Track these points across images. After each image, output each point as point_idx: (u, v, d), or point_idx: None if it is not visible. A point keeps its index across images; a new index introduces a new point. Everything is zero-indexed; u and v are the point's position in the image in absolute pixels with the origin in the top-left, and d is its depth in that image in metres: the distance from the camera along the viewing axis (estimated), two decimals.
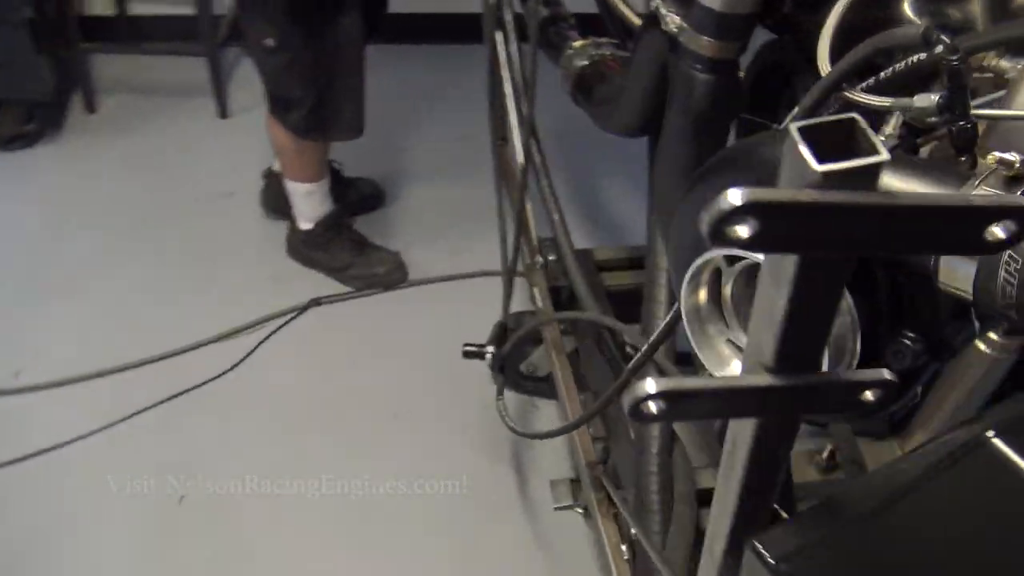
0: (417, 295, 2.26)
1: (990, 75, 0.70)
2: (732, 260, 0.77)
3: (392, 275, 2.25)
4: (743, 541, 0.67)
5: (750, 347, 0.52)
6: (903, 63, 0.71)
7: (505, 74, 1.88)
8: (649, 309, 1.40)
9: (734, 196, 0.39)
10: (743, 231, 0.40)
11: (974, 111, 0.67)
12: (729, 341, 0.81)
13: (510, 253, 1.76)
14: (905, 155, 0.73)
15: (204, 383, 1.99)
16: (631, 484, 1.41)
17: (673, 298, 1.37)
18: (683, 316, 0.81)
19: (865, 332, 0.68)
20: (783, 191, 0.40)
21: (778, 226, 0.40)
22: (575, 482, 1.81)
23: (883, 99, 0.74)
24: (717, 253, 0.76)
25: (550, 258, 1.83)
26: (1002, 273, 0.58)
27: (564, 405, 1.59)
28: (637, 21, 1.47)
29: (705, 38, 1.13)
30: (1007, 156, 0.59)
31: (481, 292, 2.24)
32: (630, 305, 1.78)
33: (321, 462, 1.85)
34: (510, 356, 1.81)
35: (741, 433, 0.57)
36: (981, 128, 0.69)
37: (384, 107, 2.33)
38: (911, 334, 0.69)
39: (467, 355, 1.83)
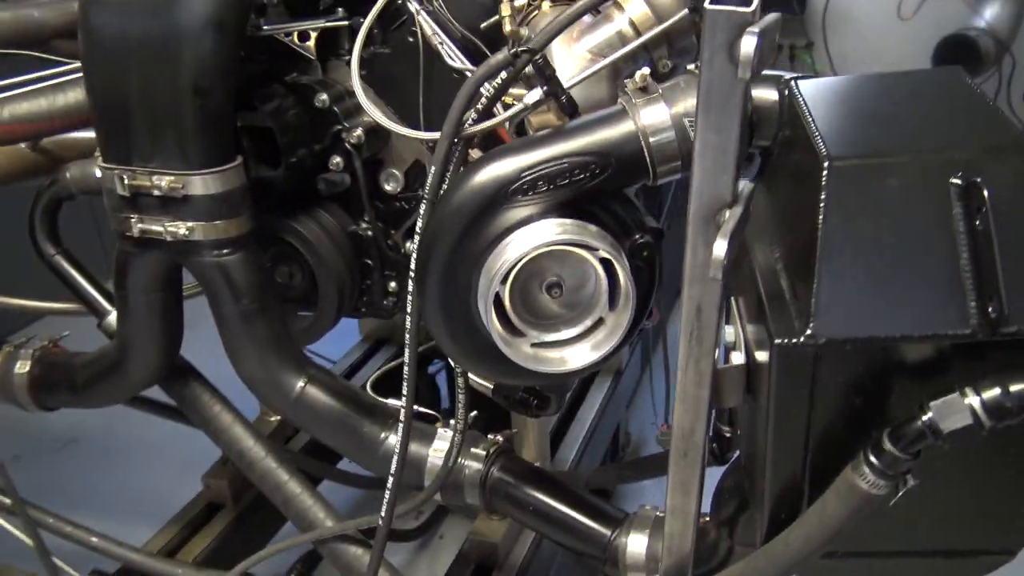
0: None
1: None
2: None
3: None
4: None
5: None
6: (498, 83, 0.93)
7: None
8: (297, 511, 1.32)
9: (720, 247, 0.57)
10: None
11: (566, 86, 0.93)
12: (538, 345, 0.92)
13: None
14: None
15: None
16: None
17: None
18: (517, 360, 0.89)
19: None
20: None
21: None
22: None
23: (499, 116, 0.94)
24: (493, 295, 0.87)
25: None
26: (690, 133, 0.85)
27: None
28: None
29: (221, 223, 1.17)
30: (638, 76, 0.86)
31: None
32: None
33: None
34: None
35: None
36: None
37: None
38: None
39: None
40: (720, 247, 0.63)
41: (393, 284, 1.43)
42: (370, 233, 1.39)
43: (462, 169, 0.93)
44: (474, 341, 0.93)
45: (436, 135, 0.96)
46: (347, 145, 1.30)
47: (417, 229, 0.96)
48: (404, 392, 1.07)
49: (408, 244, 1.39)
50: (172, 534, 1.63)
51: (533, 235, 0.86)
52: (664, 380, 2.08)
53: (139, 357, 1.31)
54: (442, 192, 0.94)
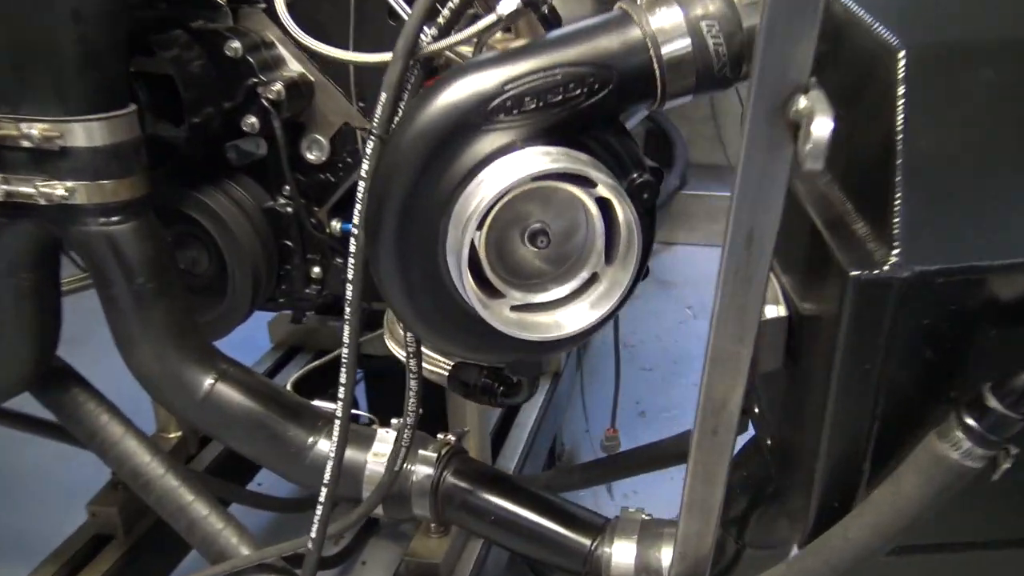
0: None
1: None
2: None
3: None
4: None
5: None
6: None
7: None
8: (204, 537, 1.09)
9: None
10: None
11: None
12: (520, 308, 0.73)
13: None
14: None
15: None
16: None
17: None
18: (500, 327, 0.70)
19: None
20: None
21: None
22: None
23: (462, 34, 0.75)
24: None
25: None
26: (710, 41, 0.68)
27: None
28: None
29: (108, 183, 0.93)
30: None
31: None
32: None
33: None
34: None
35: None
36: None
37: None
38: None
39: None
40: (823, 126, 0.46)
41: (317, 269, 1.22)
42: (290, 210, 1.18)
43: (422, 90, 0.73)
44: (441, 306, 0.74)
45: (387, 56, 0.77)
46: (264, 102, 1.08)
47: (363, 172, 0.76)
48: (342, 379, 0.86)
49: (334, 223, 1.19)
50: (51, 572, 1.34)
51: (517, 166, 0.67)
52: (615, 382, 1.91)
53: (5, 355, 1.05)
54: (395, 125, 0.75)
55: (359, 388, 2.03)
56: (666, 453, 1.04)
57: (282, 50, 1.13)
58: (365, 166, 0.76)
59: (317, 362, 1.44)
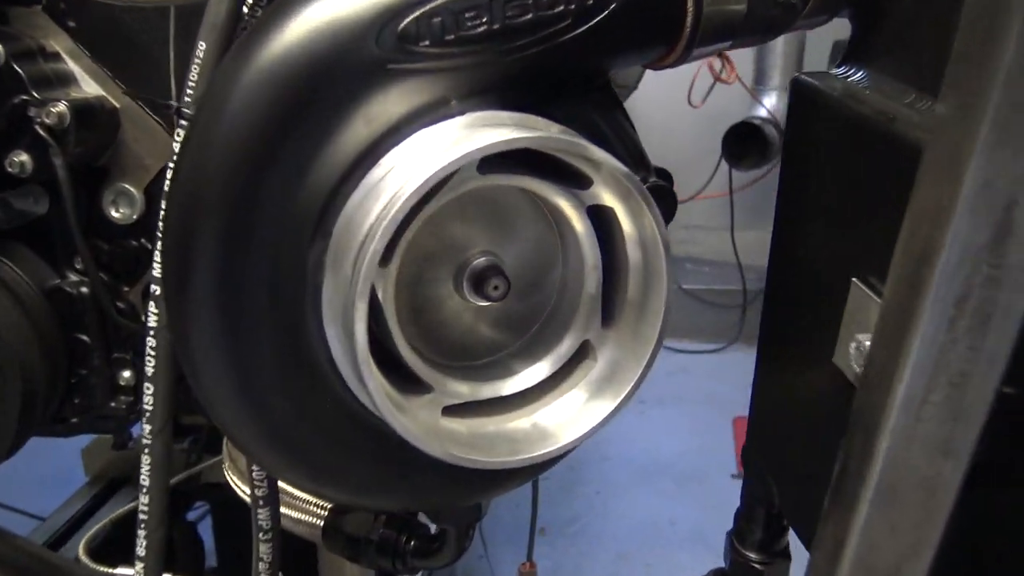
0: None
1: None
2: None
3: None
4: None
5: None
6: None
7: None
8: None
9: None
10: None
11: None
12: (463, 408, 0.38)
13: None
14: None
15: None
16: None
17: None
18: (434, 448, 0.34)
19: None
20: None
21: None
22: None
23: None
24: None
25: None
26: None
27: None
28: None
29: None
30: None
31: None
32: None
33: None
34: None
35: None
36: None
37: None
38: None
39: None
40: None
41: (127, 373, 0.84)
42: (85, 290, 0.81)
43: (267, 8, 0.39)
44: (312, 416, 0.38)
45: None
46: (38, 130, 0.72)
47: (168, 183, 0.41)
48: (140, 550, 0.48)
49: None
50: None
51: (452, 142, 0.35)
52: (532, 504, 1.54)
53: None
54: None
55: (204, 525, 1.58)
56: None
57: (72, 64, 0.78)
58: (171, 174, 0.42)
59: (123, 510, 0.99)
